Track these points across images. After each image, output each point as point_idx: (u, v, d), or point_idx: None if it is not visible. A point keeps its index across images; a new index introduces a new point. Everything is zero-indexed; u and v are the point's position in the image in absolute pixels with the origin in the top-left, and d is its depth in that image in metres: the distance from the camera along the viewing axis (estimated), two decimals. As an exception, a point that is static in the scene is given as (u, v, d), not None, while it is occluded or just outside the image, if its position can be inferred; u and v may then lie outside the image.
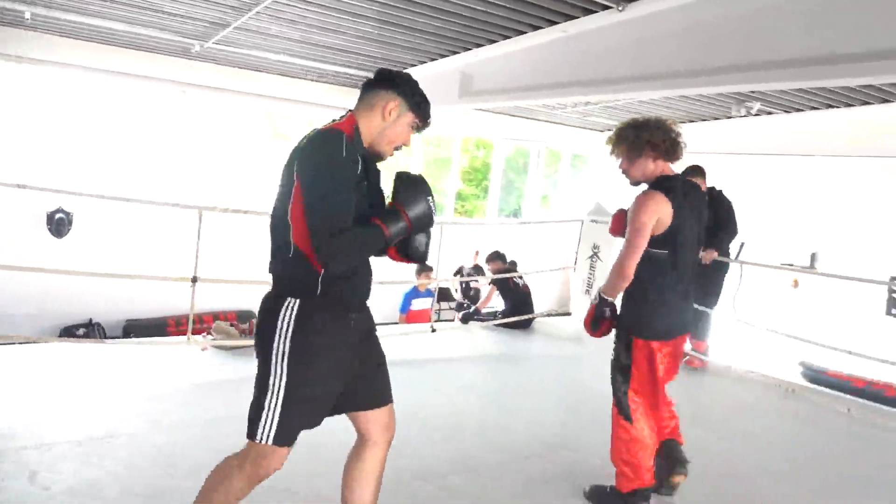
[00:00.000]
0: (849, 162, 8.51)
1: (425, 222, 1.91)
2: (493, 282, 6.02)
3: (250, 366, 4.11)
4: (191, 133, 8.62)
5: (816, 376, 8.07)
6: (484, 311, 6.19)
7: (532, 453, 3.12)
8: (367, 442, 2.07)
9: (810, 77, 5.16)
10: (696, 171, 4.99)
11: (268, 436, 1.89)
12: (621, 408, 2.63)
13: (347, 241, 1.77)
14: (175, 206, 4.02)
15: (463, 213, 11.97)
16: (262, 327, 1.90)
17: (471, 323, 5.77)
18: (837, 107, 8.14)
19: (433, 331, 4.95)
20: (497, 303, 6.12)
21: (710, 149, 9.36)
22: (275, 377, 1.89)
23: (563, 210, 11.72)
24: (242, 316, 8.42)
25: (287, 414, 1.89)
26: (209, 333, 4.51)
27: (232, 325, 4.59)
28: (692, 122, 9.58)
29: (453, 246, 10.26)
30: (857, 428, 3.91)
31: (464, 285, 7.30)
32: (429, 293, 6.50)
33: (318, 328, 1.85)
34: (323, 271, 1.83)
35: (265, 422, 1.90)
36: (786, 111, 8.66)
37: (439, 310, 9.83)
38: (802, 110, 8.50)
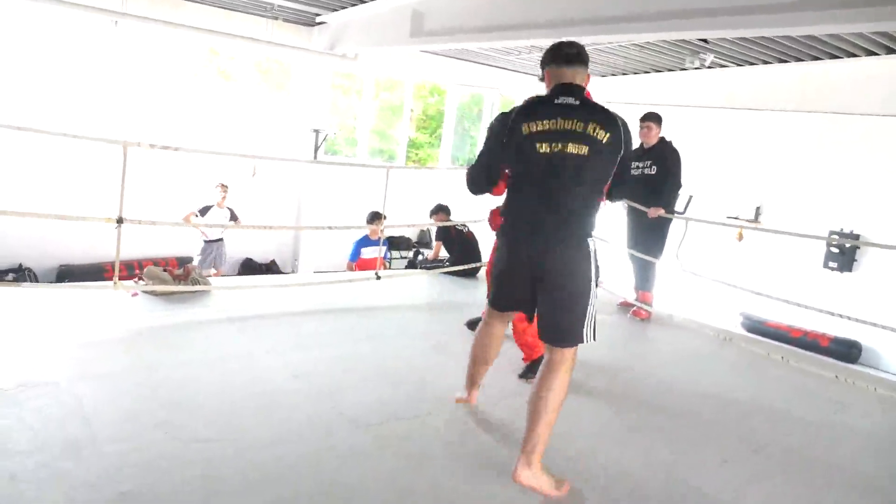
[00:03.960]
0: (796, 117, 8.62)
1: None
2: (439, 235, 5.95)
3: (184, 312, 4.00)
4: (124, 68, 8.10)
5: (756, 326, 8.34)
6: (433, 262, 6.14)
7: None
8: None
9: (756, 25, 5.18)
10: (649, 117, 4.94)
11: (591, 335, 2.40)
12: None
13: None
14: (97, 141, 3.72)
15: (416, 162, 11.74)
16: (576, 259, 2.36)
17: (418, 271, 5.69)
18: (788, 61, 8.19)
19: (378, 278, 4.83)
20: (450, 253, 6.06)
21: (664, 100, 9.33)
22: (593, 293, 2.39)
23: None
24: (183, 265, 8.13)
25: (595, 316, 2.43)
26: (140, 279, 4.29)
27: (165, 269, 4.36)
28: (647, 72, 9.53)
29: (405, 194, 10.10)
30: (790, 375, 4.01)
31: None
32: (378, 241, 6.38)
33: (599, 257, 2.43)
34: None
35: (588, 326, 2.39)
36: (738, 64, 8.66)
37: (390, 259, 9.73)
38: (755, 64, 8.52)
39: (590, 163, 2.32)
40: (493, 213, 2.87)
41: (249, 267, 8.93)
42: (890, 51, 7.09)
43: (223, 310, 4.13)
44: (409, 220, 8.85)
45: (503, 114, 2.51)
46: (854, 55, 7.47)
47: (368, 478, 2.35)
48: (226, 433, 2.55)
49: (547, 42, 7.72)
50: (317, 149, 8.98)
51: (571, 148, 2.30)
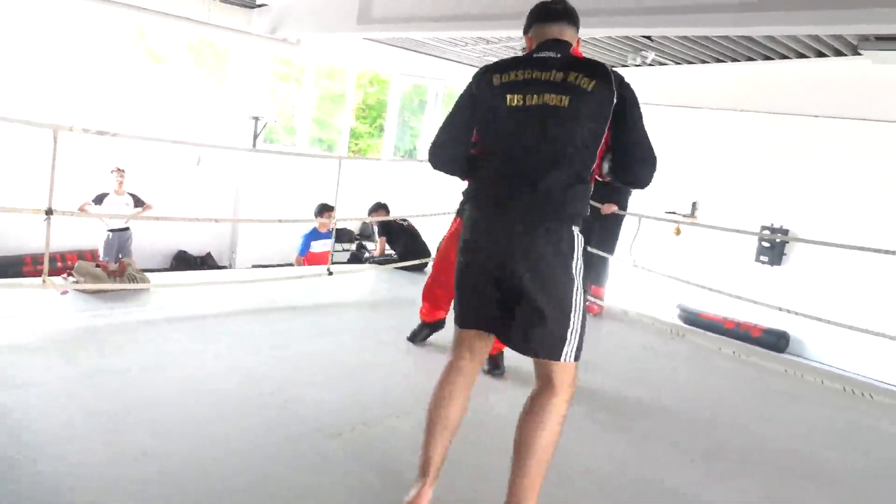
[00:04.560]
0: (733, 116, 8.90)
1: None
2: (382, 231, 5.83)
3: (121, 312, 3.71)
4: (43, 45, 7.52)
5: (692, 318, 8.59)
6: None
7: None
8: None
9: (704, 24, 5.32)
10: None
11: (571, 355, 1.90)
12: None
13: None
14: (17, 124, 3.38)
15: (357, 152, 11.50)
16: (560, 254, 1.87)
17: (367, 266, 5.54)
18: (725, 61, 8.44)
19: (330, 273, 4.65)
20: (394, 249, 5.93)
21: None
22: (578, 297, 1.90)
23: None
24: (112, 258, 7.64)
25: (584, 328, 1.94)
26: (70, 275, 3.96)
27: (97, 265, 4.05)
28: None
29: (348, 185, 9.85)
30: (742, 369, 4.11)
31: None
32: (328, 234, 6.18)
33: (584, 251, 1.93)
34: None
35: (577, 340, 1.90)
36: (677, 63, 8.87)
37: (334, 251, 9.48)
38: (693, 63, 8.75)
39: (573, 116, 1.85)
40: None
41: (183, 259, 8.51)
42: (820, 54, 7.40)
43: (163, 309, 3.87)
44: (352, 211, 8.67)
45: (477, 71, 2.08)
46: (786, 57, 7.77)
47: (342, 492, 2.21)
48: (176, 446, 2.35)
49: (496, 34, 7.72)
50: (256, 137, 8.63)
51: (549, 99, 1.87)
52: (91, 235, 7.52)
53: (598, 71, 1.88)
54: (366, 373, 3.25)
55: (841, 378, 4.13)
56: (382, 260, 5.80)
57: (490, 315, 1.97)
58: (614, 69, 1.92)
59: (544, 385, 1.91)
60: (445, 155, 2.09)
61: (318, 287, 4.69)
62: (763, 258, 8.54)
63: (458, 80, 10.97)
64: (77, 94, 7.72)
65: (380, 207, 6.19)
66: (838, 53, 7.28)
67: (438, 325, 3.68)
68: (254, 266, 9.11)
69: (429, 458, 1.97)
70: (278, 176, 8.90)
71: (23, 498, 1.96)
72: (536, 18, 2.07)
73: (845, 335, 5.03)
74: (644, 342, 4.45)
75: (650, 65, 8.66)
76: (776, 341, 8.21)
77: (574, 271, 1.88)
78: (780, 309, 4.87)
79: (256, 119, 8.57)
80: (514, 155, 1.91)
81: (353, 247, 9.95)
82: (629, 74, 8.18)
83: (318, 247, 6.28)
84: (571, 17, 2.06)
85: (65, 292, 3.80)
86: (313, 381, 3.07)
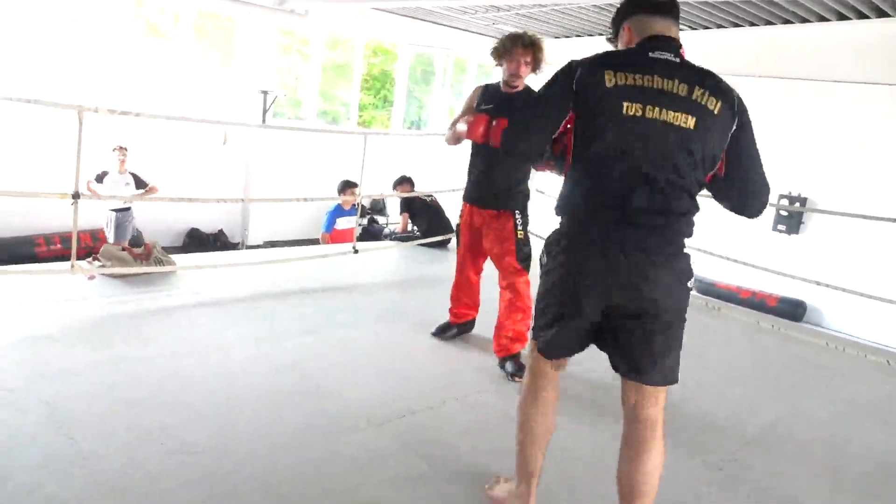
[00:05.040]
0: (751, 82, 8.71)
1: None
2: (404, 207, 5.71)
3: (149, 296, 3.65)
4: (39, 21, 7.33)
5: (708, 288, 8.54)
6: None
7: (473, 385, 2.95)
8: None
9: None
10: None
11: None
12: None
13: None
14: (38, 105, 3.28)
15: (361, 124, 11.32)
16: (682, 282, 1.76)
17: (390, 243, 5.47)
18: (742, 26, 8.24)
19: (356, 252, 4.58)
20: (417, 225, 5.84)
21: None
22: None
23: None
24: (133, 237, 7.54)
25: None
26: (96, 258, 3.89)
27: (123, 248, 3.98)
28: (601, 34, 9.41)
29: (356, 159, 9.73)
30: (784, 344, 4.06)
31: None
32: (353, 211, 6.06)
33: None
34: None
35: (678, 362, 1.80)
36: (692, 28, 8.67)
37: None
38: (709, 28, 8.54)
39: (699, 141, 1.69)
40: (477, 120, 2.61)
41: (196, 237, 8.44)
42: (842, 17, 7.21)
43: (191, 292, 3.81)
44: (366, 186, 8.59)
45: (570, 62, 1.80)
46: (807, 21, 7.57)
47: (393, 486, 2.16)
48: (217, 441, 2.29)
49: (510, 1, 7.50)
50: (265, 112, 8.48)
51: (673, 117, 1.67)
52: (97, 214, 7.44)
53: (721, 89, 1.73)
54: (401, 360, 3.20)
55: (885, 353, 4.07)
56: (405, 237, 5.71)
57: (585, 342, 1.84)
58: (733, 87, 1.77)
59: (649, 421, 1.79)
60: (525, 147, 1.84)
61: (343, 266, 4.63)
62: (780, 227, 8.45)
63: (467, 49, 10.75)
64: (76, 71, 7.54)
65: (404, 181, 6.03)
66: (861, 16, 7.10)
67: (468, 325, 3.57)
68: (266, 242, 9.05)
69: (526, 464, 1.95)
70: (288, 151, 8.77)
71: (87, 498, 1.92)
72: (641, 7, 1.83)
73: (863, 304, 5.02)
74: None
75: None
76: (793, 310, 8.17)
77: (689, 292, 1.80)
78: (795, 278, 4.89)
79: (265, 93, 8.41)
80: (631, 173, 1.69)
81: (365, 221, 9.87)
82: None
83: (343, 224, 6.16)
84: (677, 12, 1.85)
85: (92, 277, 3.74)
86: (347, 370, 3.03)
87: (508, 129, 1.88)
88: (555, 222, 1.88)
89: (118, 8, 7.86)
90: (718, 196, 1.85)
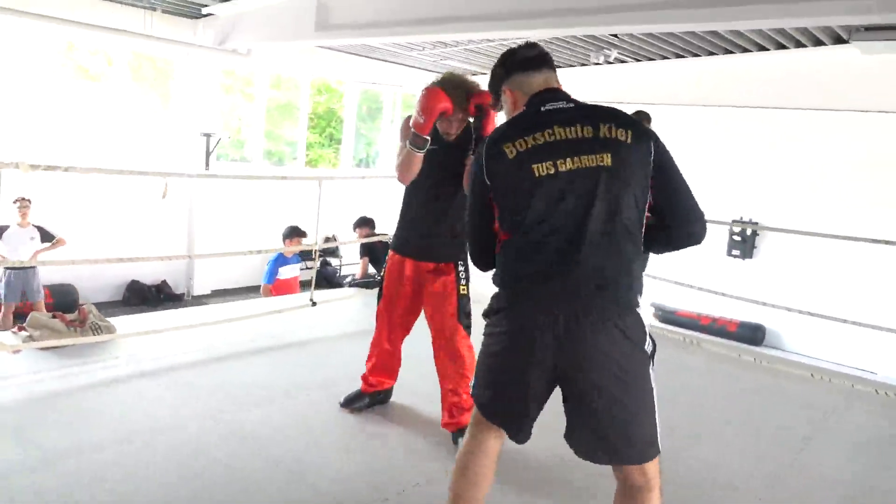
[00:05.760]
0: (697, 111, 8.88)
1: None
2: (364, 251, 5.43)
3: (86, 370, 3.25)
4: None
5: (669, 316, 8.52)
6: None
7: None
8: None
9: (662, 21, 5.19)
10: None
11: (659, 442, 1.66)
12: None
13: None
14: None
15: (308, 164, 11.03)
16: (635, 344, 1.61)
17: (351, 290, 5.19)
18: (685, 56, 8.40)
19: (313, 304, 4.27)
20: (378, 269, 5.54)
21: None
22: (652, 385, 1.66)
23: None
24: (60, 297, 6.96)
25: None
26: (22, 329, 3.47)
27: (54, 315, 3.57)
28: (557, 66, 9.45)
29: (302, 200, 9.43)
30: (765, 377, 3.94)
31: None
32: (296, 259, 5.73)
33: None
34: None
35: (657, 429, 1.65)
36: (637, 59, 8.80)
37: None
38: (654, 59, 8.68)
39: (620, 176, 1.59)
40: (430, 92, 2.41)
41: (136, 291, 7.90)
42: (780, 46, 7.41)
43: (134, 362, 3.43)
44: (315, 229, 8.31)
45: (478, 151, 1.80)
46: (748, 50, 7.77)
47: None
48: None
49: (462, 37, 7.44)
50: (208, 155, 8.09)
51: (587, 160, 1.59)
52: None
53: (626, 120, 1.66)
54: (378, 431, 2.90)
55: (871, 382, 3.97)
56: (366, 282, 5.41)
57: (532, 416, 1.72)
58: (630, 115, 1.72)
59: (636, 487, 1.66)
60: (484, 266, 1.85)
61: (300, 319, 4.30)
62: (735, 252, 8.54)
63: (415, 85, 10.66)
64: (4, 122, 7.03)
65: (364, 223, 5.74)
66: (799, 45, 7.31)
67: (384, 395, 3.11)
68: (213, 291, 8.58)
69: None
70: (234, 194, 8.38)
71: None
72: (514, 68, 1.81)
73: (819, 325, 5.05)
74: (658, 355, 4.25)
75: (610, 63, 8.56)
76: (753, 335, 8.23)
77: (647, 356, 1.65)
78: (756, 302, 4.91)
79: (208, 136, 8.03)
80: (561, 235, 1.61)
81: (318, 264, 9.53)
82: (591, 73, 8.11)
83: (286, 273, 5.75)
84: (551, 62, 1.85)
85: (17, 351, 3.31)
86: (324, 444, 2.72)
87: (470, 249, 1.89)
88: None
89: (46, 50, 7.40)
90: (660, 228, 1.74)
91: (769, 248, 8.45)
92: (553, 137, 1.62)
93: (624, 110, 1.76)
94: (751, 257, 8.53)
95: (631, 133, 1.62)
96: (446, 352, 2.73)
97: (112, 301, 7.78)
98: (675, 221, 1.72)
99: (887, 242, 4.44)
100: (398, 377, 3.06)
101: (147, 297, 7.97)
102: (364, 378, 3.05)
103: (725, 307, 8.03)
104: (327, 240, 10.21)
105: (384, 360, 2.98)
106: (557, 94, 1.75)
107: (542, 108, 1.69)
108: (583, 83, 9.41)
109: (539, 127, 1.65)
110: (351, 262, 9.49)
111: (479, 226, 1.79)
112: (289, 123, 10.49)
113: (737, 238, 8.52)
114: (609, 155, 1.59)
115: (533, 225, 1.63)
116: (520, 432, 1.73)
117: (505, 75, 1.82)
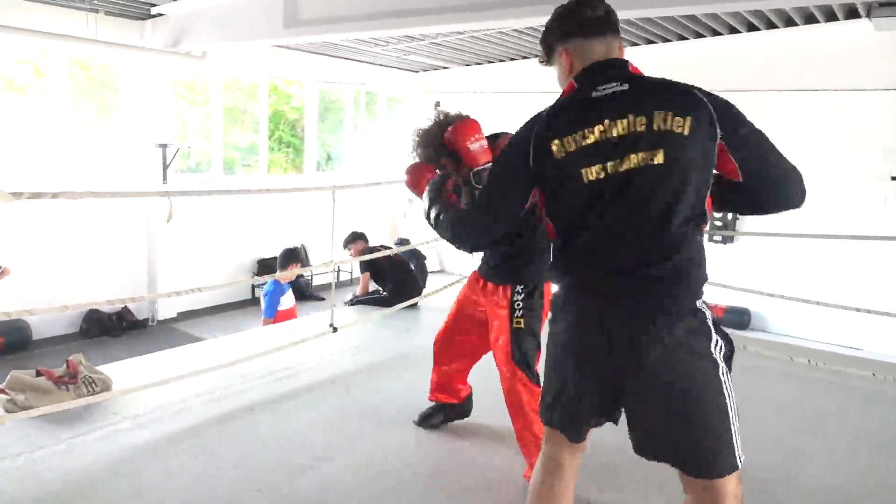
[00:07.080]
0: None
1: None
2: (365, 266, 4.99)
3: (84, 438, 2.74)
4: None
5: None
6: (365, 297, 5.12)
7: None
8: None
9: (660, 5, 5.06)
10: None
11: (740, 455, 1.51)
12: None
13: None
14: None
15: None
16: (692, 345, 1.50)
17: (361, 307, 4.75)
18: (655, 42, 8.28)
19: (334, 330, 3.83)
20: (382, 286, 5.11)
21: (540, 88, 9.06)
22: (727, 388, 1.52)
23: (381, 161, 10.76)
24: (12, 335, 6.26)
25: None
26: (2, 392, 2.94)
27: (38, 373, 3.03)
28: (525, 58, 9.18)
29: (273, 212, 8.88)
30: (830, 378, 3.76)
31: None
32: (289, 285, 5.22)
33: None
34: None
35: (737, 443, 1.51)
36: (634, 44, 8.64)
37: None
38: (638, 44, 8.51)
39: (674, 174, 1.47)
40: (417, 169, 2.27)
41: (95, 321, 7.20)
42: (752, 27, 7.39)
43: (138, 420, 2.95)
44: (286, 242, 7.82)
45: (527, 122, 1.64)
46: (719, 33, 7.71)
47: None
48: None
49: (433, 30, 7.05)
50: (166, 167, 7.44)
51: (637, 159, 1.48)
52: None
53: (686, 100, 1.49)
54: (427, 474, 2.55)
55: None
56: (371, 299, 4.96)
57: (601, 412, 1.63)
58: (694, 86, 1.53)
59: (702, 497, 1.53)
60: (472, 244, 1.81)
61: (323, 348, 3.85)
62: (716, 238, 8.50)
63: (379, 83, 10.21)
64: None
65: (357, 238, 5.28)
66: (770, 26, 7.29)
67: (461, 408, 2.94)
68: (180, 314, 7.95)
69: None
70: (196, 208, 7.74)
71: None
72: (572, 30, 1.62)
73: (802, 307, 5.01)
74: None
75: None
76: (740, 319, 8.26)
77: (717, 352, 1.51)
78: (745, 290, 4.91)
79: (164, 147, 7.37)
80: (613, 240, 1.52)
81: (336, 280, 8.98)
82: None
83: (286, 301, 5.18)
84: (616, 25, 1.63)
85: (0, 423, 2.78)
86: (375, 495, 2.34)
87: (454, 225, 1.81)
88: None
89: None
90: (744, 205, 1.66)
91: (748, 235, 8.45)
92: (603, 135, 1.49)
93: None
94: (731, 242, 8.51)
95: (689, 119, 1.46)
96: (505, 388, 2.53)
97: (68, 334, 7.08)
98: (765, 186, 1.56)
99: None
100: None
101: (108, 326, 7.29)
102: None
103: (710, 293, 7.98)
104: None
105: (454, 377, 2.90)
106: (614, 69, 1.57)
107: (594, 94, 1.53)
108: (552, 74, 9.21)
109: (588, 122, 1.51)
110: (320, 272, 9.00)
111: (500, 206, 1.66)
112: (236, 129, 9.88)
113: (718, 223, 8.49)
114: (662, 152, 1.47)
115: (583, 229, 1.55)
116: (578, 434, 1.66)
117: (558, 38, 1.65)
